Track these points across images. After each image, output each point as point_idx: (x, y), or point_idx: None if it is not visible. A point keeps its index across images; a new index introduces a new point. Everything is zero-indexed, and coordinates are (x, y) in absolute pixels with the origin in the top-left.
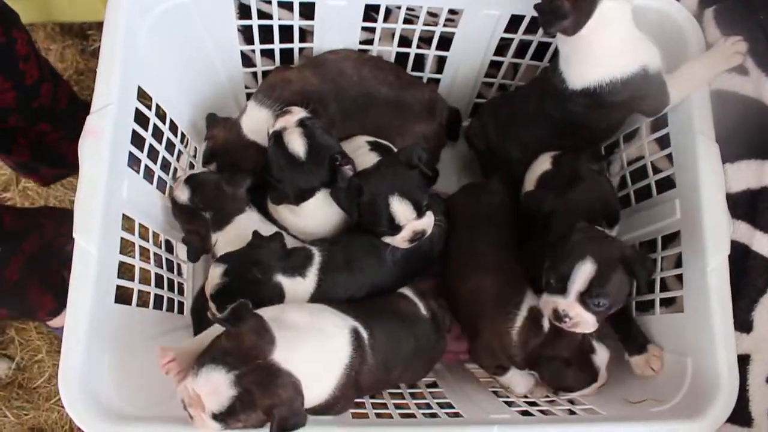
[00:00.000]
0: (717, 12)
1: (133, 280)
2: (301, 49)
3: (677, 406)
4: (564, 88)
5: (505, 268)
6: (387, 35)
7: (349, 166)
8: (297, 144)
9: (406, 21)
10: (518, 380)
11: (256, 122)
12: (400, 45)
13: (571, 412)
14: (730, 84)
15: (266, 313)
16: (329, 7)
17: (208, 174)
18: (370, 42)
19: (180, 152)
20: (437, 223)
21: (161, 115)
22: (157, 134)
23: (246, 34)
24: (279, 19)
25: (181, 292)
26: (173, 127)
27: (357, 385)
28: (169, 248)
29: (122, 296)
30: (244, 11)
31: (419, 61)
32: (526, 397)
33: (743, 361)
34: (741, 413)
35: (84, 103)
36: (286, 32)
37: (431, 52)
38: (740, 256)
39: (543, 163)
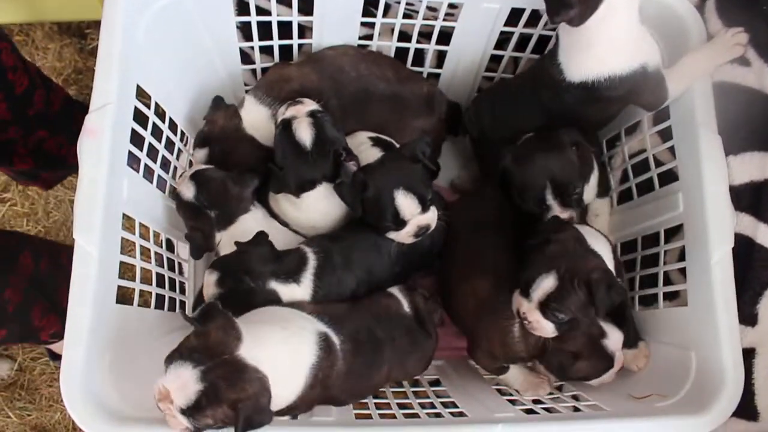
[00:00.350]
0: (718, 2)
1: (134, 280)
2: (300, 46)
3: (682, 400)
4: (561, 79)
5: (502, 269)
6: (386, 30)
7: (353, 162)
8: (305, 133)
9: (406, 16)
10: (516, 377)
11: (254, 118)
12: (399, 40)
13: (576, 409)
14: (732, 75)
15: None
16: (328, 2)
17: (214, 171)
18: (369, 37)
19: (180, 150)
20: (439, 218)
21: (160, 113)
22: (157, 133)
23: (245, 30)
24: (277, 15)
25: (182, 291)
26: (172, 126)
27: (325, 388)
28: (170, 247)
29: (123, 296)
30: (242, 8)
31: (419, 56)
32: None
33: (748, 354)
34: (746, 407)
35: (80, 104)
36: (285, 28)
37: (431, 47)
38: (744, 248)
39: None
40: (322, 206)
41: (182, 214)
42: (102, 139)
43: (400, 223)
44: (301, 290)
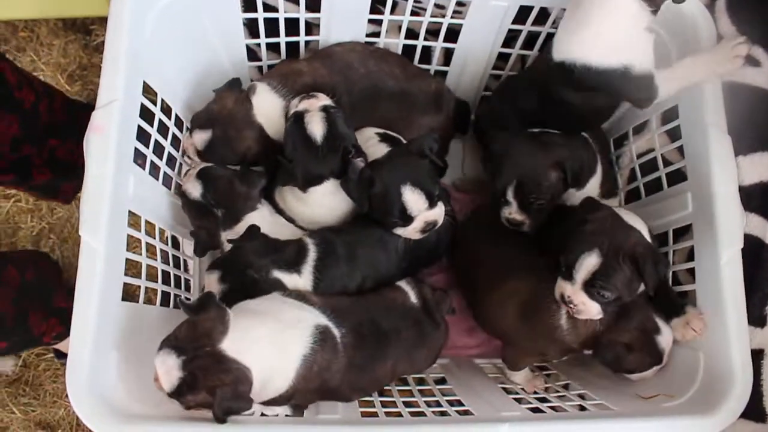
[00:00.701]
0: (729, 2)
1: (139, 277)
2: (307, 42)
3: (689, 401)
4: (549, 57)
5: (540, 267)
6: (394, 27)
7: (360, 159)
8: (317, 128)
9: (413, 13)
10: (519, 372)
11: (266, 107)
12: (406, 37)
13: (582, 408)
14: (742, 75)
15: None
16: None
17: (220, 169)
18: (376, 34)
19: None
20: (446, 214)
21: (166, 110)
22: (163, 130)
23: (251, 27)
24: (285, 12)
25: (187, 288)
26: (178, 123)
27: (325, 381)
28: (175, 244)
29: (129, 293)
30: (249, 4)
31: (426, 54)
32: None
33: (757, 355)
34: (755, 408)
35: (79, 103)
36: (292, 25)
37: (438, 44)
38: (754, 249)
39: None
40: (328, 202)
41: (188, 212)
42: (109, 136)
43: (407, 219)
44: (302, 281)
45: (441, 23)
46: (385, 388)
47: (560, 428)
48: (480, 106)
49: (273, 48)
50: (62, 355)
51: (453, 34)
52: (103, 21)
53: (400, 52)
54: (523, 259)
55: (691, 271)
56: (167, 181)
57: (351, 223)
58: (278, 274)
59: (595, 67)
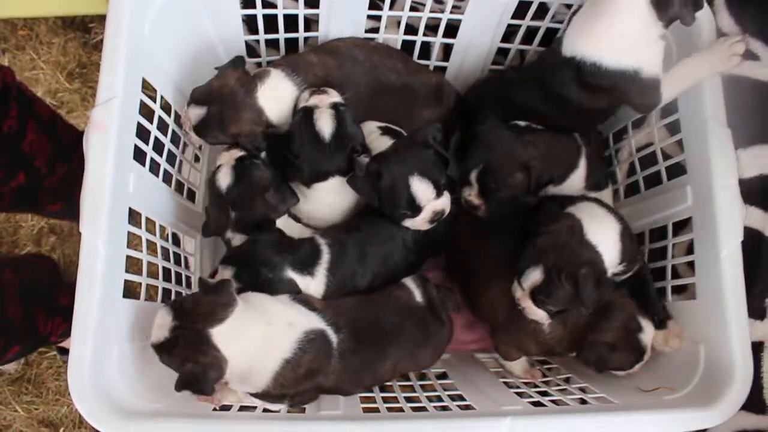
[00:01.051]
0: None
1: (140, 274)
2: (306, 39)
3: (690, 394)
4: (559, 51)
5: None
6: (393, 23)
7: (365, 155)
8: (326, 124)
9: (412, 8)
10: (518, 363)
11: (279, 92)
12: (406, 33)
13: (583, 401)
14: (742, 69)
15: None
16: None
17: (261, 168)
18: (375, 30)
19: (185, 144)
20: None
21: (166, 107)
22: (163, 127)
23: (250, 23)
24: (284, 8)
25: (188, 285)
26: (178, 119)
27: (319, 383)
28: (176, 241)
29: (130, 291)
30: (248, 0)
31: (425, 49)
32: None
33: (757, 348)
34: (755, 401)
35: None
36: (291, 22)
37: (438, 40)
38: (753, 242)
39: None
40: (331, 199)
41: (209, 190)
42: (108, 133)
43: (415, 210)
44: (315, 283)
45: (440, 18)
46: (387, 384)
47: (562, 422)
48: (473, 87)
49: (272, 45)
50: (65, 352)
51: (452, 29)
52: (102, 19)
53: (399, 47)
54: (511, 256)
55: (691, 265)
56: (168, 178)
57: (358, 220)
58: (292, 274)
59: (606, 67)
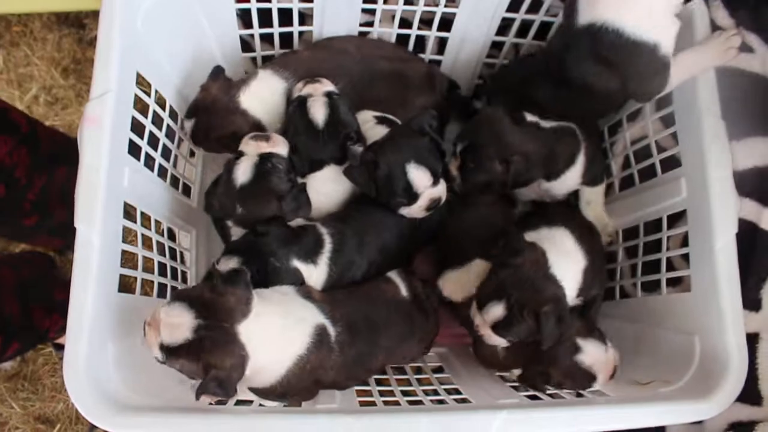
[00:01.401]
0: None
1: (135, 268)
2: (300, 33)
3: (686, 386)
4: (573, 23)
5: None
6: (387, 17)
7: (359, 144)
8: (319, 112)
9: (407, 2)
10: None
11: (266, 89)
12: (400, 27)
13: (579, 395)
14: (736, 61)
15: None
16: None
17: (281, 176)
18: (370, 24)
19: (180, 139)
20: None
21: (161, 101)
22: (157, 121)
23: (244, 18)
24: (278, 2)
25: (184, 280)
26: (173, 114)
27: (318, 378)
28: (172, 236)
29: (125, 285)
30: None
31: (420, 43)
32: None
33: (752, 339)
34: (750, 392)
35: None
36: (285, 16)
37: (432, 33)
38: (748, 234)
39: None
40: (327, 189)
41: (224, 175)
42: (103, 127)
43: (412, 197)
44: (317, 272)
45: (434, 12)
46: (383, 377)
47: (557, 415)
48: (494, 78)
49: (267, 39)
50: (61, 348)
51: (447, 23)
52: (96, 15)
53: (393, 41)
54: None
55: (686, 257)
56: (163, 173)
57: (354, 209)
58: (297, 264)
59: (627, 35)
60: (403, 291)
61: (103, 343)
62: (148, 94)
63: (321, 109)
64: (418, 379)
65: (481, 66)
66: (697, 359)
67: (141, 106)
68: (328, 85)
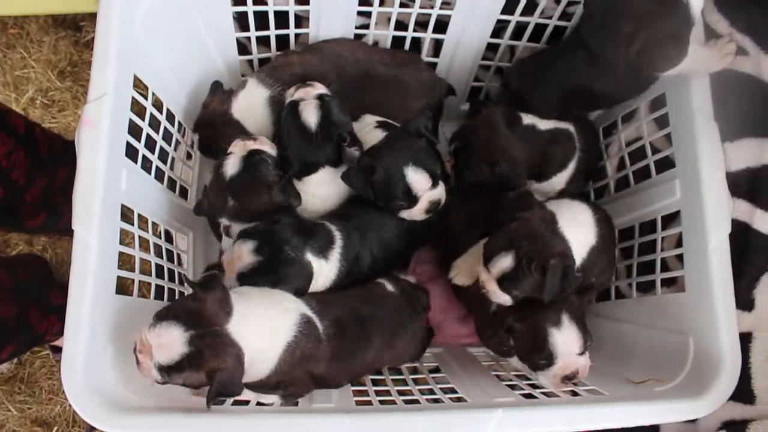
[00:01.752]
0: None
1: (133, 270)
2: (297, 36)
3: (680, 385)
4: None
5: None
6: (383, 19)
7: (355, 147)
8: (310, 115)
9: (402, 5)
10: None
11: (250, 99)
12: (396, 29)
13: (574, 393)
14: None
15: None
16: None
17: (270, 167)
18: (366, 26)
19: (177, 142)
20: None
21: (158, 104)
22: (155, 124)
23: (241, 20)
24: (274, 4)
25: (181, 282)
26: (170, 117)
27: (310, 369)
28: (169, 238)
29: (123, 287)
30: None
31: (416, 45)
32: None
33: (745, 339)
34: (743, 391)
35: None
36: (282, 18)
37: (428, 36)
38: (741, 234)
39: None
40: (323, 191)
41: (213, 174)
42: (100, 130)
43: (412, 200)
44: (328, 267)
45: (430, 15)
46: (379, 377)
47: (553, 414)
48: (514, 70)
49: (263, 42)
50: (58, 351)
51: (442, 25)
52: (93, 17)
53: (389, 43)
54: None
55: (680, 257)
56: (160, 176)
57: (353, 207)
58: (311, 257)
59: None
60: (390, 287)
61: (101, 344)
62: (145, 97)
63: (313, 112)
64: (414, 379)
65: (477, 68)
66: (691, 358)
67: (138, 109)
68: (320, 88)
